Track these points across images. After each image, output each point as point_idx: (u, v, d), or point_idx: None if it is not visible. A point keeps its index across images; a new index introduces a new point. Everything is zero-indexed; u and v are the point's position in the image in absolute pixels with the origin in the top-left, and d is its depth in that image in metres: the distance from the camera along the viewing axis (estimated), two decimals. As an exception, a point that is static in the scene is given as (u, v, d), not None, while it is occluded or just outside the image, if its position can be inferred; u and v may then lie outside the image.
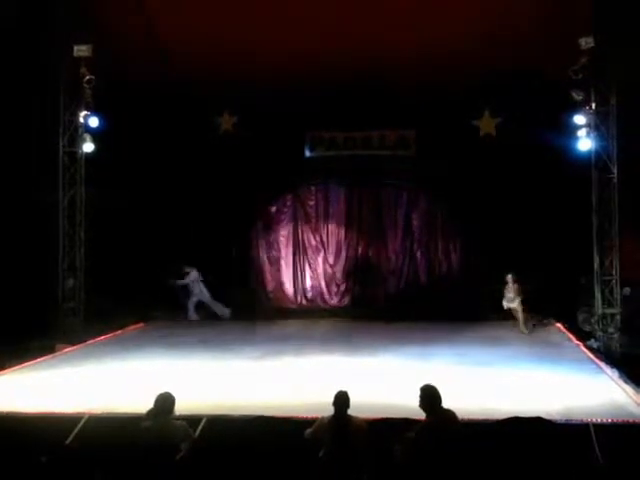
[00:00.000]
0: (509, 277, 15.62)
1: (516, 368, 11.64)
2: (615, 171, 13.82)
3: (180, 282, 17.63)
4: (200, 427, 8.19)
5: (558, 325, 15.91)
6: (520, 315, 15.51)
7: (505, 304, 15.67)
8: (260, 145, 17.45)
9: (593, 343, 13.65)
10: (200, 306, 17.96)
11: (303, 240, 19.00)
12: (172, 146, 17.53)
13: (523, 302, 15.45)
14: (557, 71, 14.03)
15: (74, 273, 15.12)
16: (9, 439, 7.96)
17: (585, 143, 14.14)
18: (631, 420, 8.57)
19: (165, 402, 7.11)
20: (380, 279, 18.68)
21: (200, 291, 17.72)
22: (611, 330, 13.70)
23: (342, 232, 18.94)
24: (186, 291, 17.85)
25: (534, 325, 15.86)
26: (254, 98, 16.53)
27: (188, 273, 17.64)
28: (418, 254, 18.65)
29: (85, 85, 14.42)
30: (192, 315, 17.82)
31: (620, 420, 8.53)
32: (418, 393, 7.09)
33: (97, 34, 14.33)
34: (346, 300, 18.65)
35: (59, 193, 14.96)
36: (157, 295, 17.49)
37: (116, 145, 15.85)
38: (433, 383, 7.17)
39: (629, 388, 10.03)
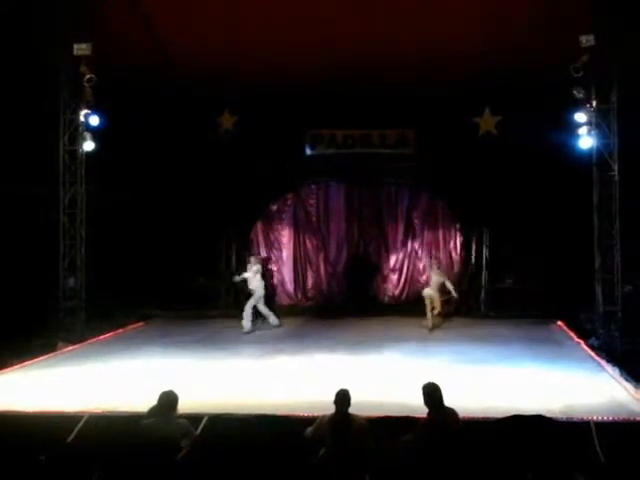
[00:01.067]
0: (434, 262, 16.09)
1: (517, 366, 11.65)
2: (616, 169, 13.79)
3: (239, 278, 16.15)
4: (202, 425, 8.20)
5: (559, 323, 15.89)
6: (438, 307, 15.53)
7: (428, 291, 15.62)
8: (260, 144, 17.44)
9: (594, 341, 13.63)
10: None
11: (304, 239, 19.00)
12: (172, 145, 17.50)
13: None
14: (558, 69, 14.00)
15: (75, 272, 15.11)
16: (10, 438, 7.98)
17: (586, 141, 14.11)
18: (632, 418, 8.60)
19: (168, 400, 7.12)
20: (381, 277, 18.70)
21: (258, 288, 15.94)
22: (612, 328, 13.68)
23: (343, 230, 18.93)
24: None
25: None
26: (254, 97, 16.51)
27: (250, 262, 16.23)
28: (419, 252, 18.66)
29: (85, 84, 14.40)
30: (247, 324, 15.66)
31: (621, 418, 8.56)
32: (420, 391, 7.09)
33: (97, 33, 14.32)
34: (347, 298, 18.63)
35: (59, 191, 14.95)
36: (157, 294, 17.50)
37: (117, 144, 15.84)
38: (434, 381, 7.18)
39: (630, 386, 10.04)
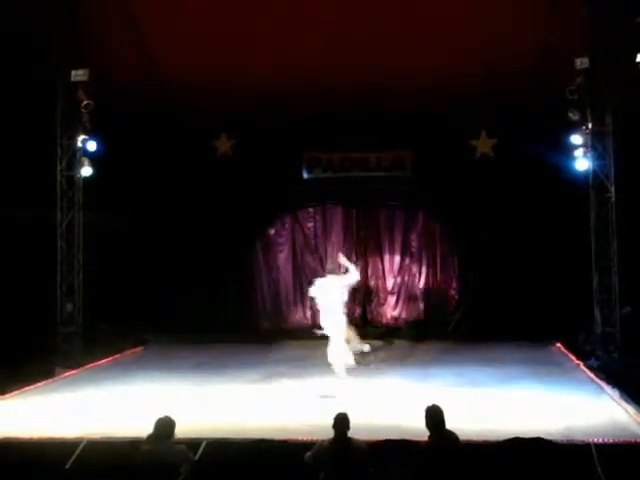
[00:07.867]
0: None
1: (516, 388, 11.60)
2: (612, 190, 13.85)
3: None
4: (200, 451, 8.14)
5: (558, 345, 15.86)
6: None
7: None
8: (258, 167, 17.50)
9: (593, 362, 13.60)
10: None
11: (302, 262, 18.99)
12: (170, 169, 17.56)
13: None
14: (553, 91, 14.10)
15: (72, 297, 15.08)
16: (9, 464, 7.93)
17: (582, 163, 14.17)
18: (633, 440, 8.53)
19: (165, 426, 7.08)
20: (379, 300, 18.66)
21: None
22: (611, 349, 13.64)
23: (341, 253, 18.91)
24: None
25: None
26: (251, 120, 16.59)
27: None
28: (416, 275, 18.66)
29: (83, 110, 14.46)
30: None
31: (622, 440, 8.48)
32: (422, 414, 7.05)
33: (95, 59, 14.41)
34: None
35: (57, 217, 14.95)
36: (155, 319, 17.43)
37: (114, 169, 15.88)
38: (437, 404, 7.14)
39: (630, 408, 9.99)
